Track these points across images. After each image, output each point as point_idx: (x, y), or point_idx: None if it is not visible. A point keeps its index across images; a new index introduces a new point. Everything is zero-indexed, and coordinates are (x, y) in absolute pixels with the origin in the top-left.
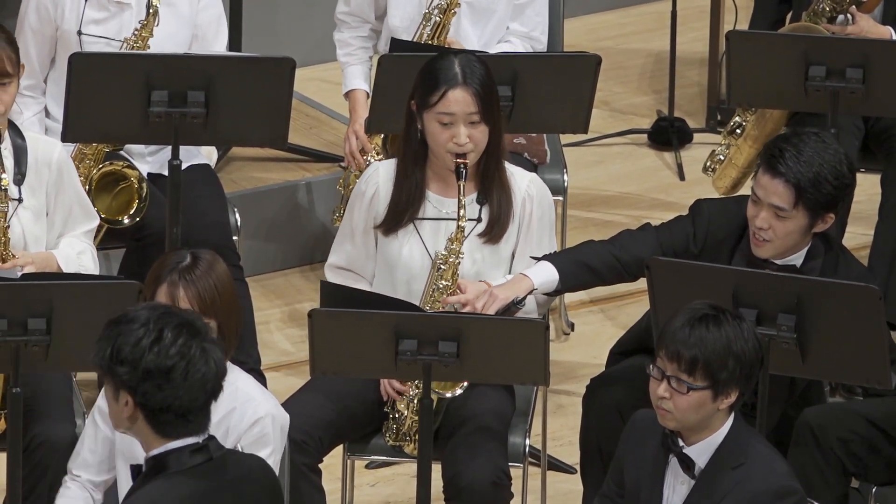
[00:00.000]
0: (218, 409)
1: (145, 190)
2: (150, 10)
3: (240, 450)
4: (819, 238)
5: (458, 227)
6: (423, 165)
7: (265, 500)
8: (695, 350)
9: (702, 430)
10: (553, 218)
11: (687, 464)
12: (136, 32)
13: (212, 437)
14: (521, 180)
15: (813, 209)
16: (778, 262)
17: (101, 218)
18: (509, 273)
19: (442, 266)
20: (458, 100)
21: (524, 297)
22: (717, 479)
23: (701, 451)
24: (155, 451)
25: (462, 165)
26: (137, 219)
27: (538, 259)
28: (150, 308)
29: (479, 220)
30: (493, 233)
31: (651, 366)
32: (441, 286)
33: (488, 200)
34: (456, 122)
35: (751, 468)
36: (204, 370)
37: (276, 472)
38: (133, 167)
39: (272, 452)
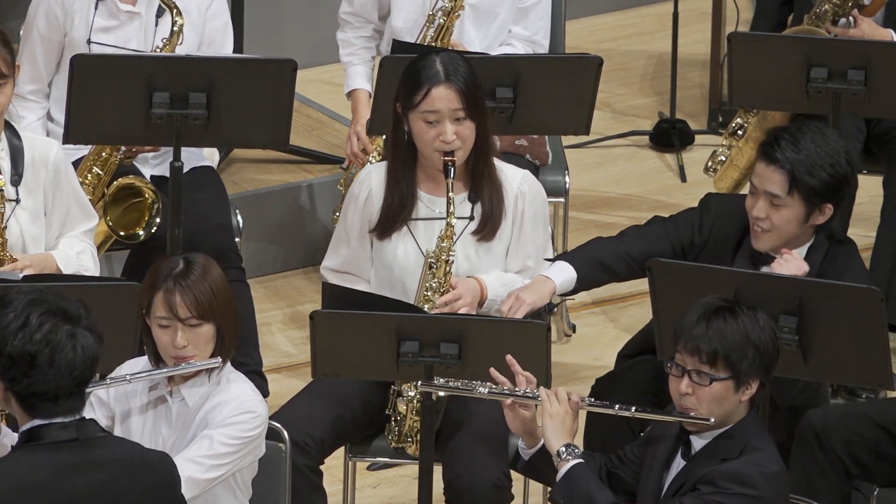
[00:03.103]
0: (205, 406)
1: (157, 208)
2: (175, 29)
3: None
4: (823, 234)
5: (448, 224)
6: (413, 167)
7: (136, 486)
8: (714, 343)
9: (722, 424)
10: (546, 214)
11: (687, 447)
12: (158, 49)
13: (85, 419)
14: (514, 177)
15: (808, 198)
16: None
17: (118, 235)
18: (504, 270)
19: (434, 264)
20: (442, 97)
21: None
22: (702, 466)
23: (704, 439)
24: (24, 427)
25: (450, 163)
26: (151, 231)
27: (553, 260)
28: (25, 292)
29: (471, 218)
30: (486, 230)
31: (669, 364)
32: (433, 285)
33: (479, 198)
34: (441, 120)
35: (735, 463)
36: (70, 356)
37: (254, 471)
38: (150, 185)
39: (241, 445)
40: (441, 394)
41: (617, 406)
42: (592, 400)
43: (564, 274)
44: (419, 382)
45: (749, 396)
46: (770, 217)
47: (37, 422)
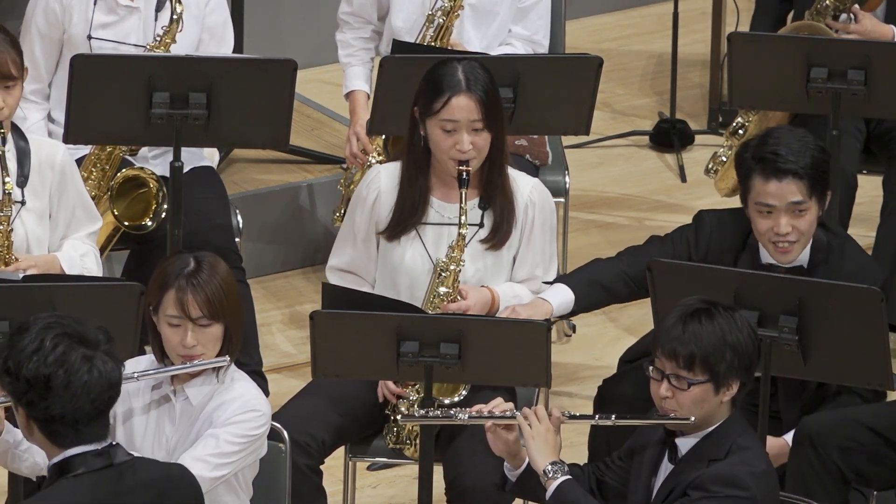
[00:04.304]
0: (209, 405)
1: (162, 195)
2: (174, 17)
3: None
4: (820, 230)
5: (460, 234)
6: (427, 172)
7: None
8: (691, 346)
9: (705, 425)
10: (554, 223)
11: (673, 451)
12: (158, 38)
13: (114, 445)
14: (524, 186)
15: (822, 193)
16: (785, 265)
17: (124, 225)
18: (510, 278)
19: (443, 273)
20: (462, 107)
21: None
22: (690, 469)
23: (689, 441)
24: (55, 459)
25: (465, 172)
26: (160, 219)
27: (552, 282)
28: (43, 317)
29: (481, 225)
30: (496, 239)
31: (650, 367)
32: (441, 293)
33: (490, 206)
34: (459, 129)
35: (723, 464)
36: (86, 378)
37: (255, 470)
38: (153, 174)
39: (247, 443)
40: (448, 401)
41: (597, 416)
42: (572, 413)
43: (562, 296)
44: (399, 416)
45: (730, 397)
46: (796, 227)
47: (68, 452)
